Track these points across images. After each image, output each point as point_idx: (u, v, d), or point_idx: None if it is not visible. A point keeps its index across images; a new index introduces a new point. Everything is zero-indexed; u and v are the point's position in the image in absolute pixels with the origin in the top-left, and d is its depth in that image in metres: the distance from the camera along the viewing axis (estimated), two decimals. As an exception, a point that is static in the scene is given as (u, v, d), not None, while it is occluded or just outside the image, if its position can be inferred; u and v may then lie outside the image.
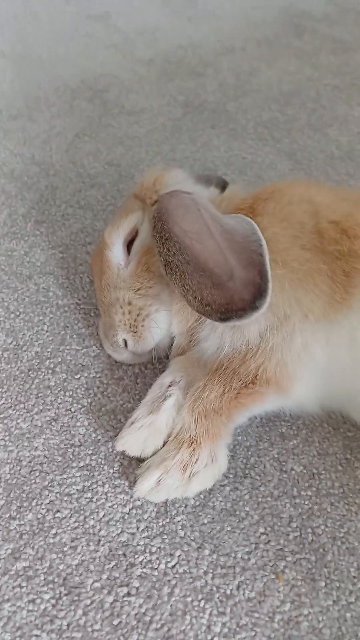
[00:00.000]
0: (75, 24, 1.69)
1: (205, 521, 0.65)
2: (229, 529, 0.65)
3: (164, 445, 0.68)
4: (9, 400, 0.74)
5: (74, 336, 0.83)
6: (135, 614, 0.58)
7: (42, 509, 0.65)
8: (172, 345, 0.77)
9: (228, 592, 0.60)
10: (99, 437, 0.72)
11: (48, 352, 0.80)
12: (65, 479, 0.67)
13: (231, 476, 0.70)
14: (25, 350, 0.80)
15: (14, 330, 0.82)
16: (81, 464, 0.69)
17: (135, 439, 0.67)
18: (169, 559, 0.62)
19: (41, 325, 0.83)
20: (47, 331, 0.83)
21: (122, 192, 1.07)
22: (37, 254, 0.94)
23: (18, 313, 0.85)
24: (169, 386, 0.71)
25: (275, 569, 0.62)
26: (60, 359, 0.79)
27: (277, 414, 0.76)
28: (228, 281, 0.64)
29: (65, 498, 0.66)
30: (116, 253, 0.76)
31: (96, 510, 0.65)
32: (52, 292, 0.88)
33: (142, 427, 0.68)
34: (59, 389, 0.76)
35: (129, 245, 0.77)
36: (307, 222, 0.72)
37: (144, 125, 1.28)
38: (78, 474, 0.68)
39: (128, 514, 0.65)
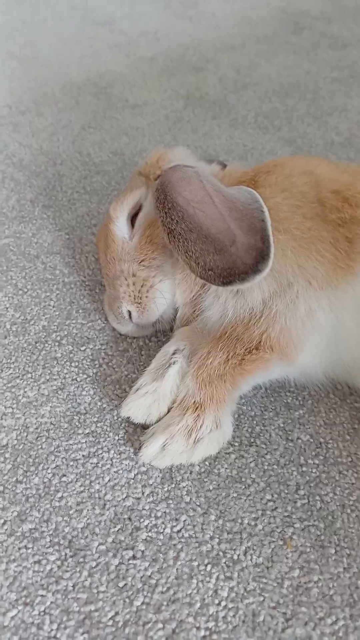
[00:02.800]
0: (81, 28, 1.72)
1: (211, 487, 0.65)
2: (234, 495, 0.65)
3: (168, 412, 0.68)
4: (17, 371, 0.75)
5: (80, 311, 0.83)
6: (141, 577, 0.57)
7: (48, 473, 0.65)
8: (175, 318, 0.78)
9: (235, 557, 0.60)
10: (104, 406, 0.72)
11: (55, 325, 0.81)
12: (71, 444, 0.67)
13: (236, 444, 0.69)
14: (32, 324, 0.81)
15: (21, 306, 0.83)
16: (87, 431, 0.69)
17: (140, 405, 0.67)
18: (174, 524, 0.62)
19: (48, 301, 0.84)
20: (53, 306, 0.83)
21: (127, 179, 1.08)
22: (44, 236, 0.95)
23: (26, 290, 0.85)
24: (173, 354, 0.71)
25: (283, 535, 0.62)
26: (66, 332, 0.80)
27: (282, 385, 0.76)
28: (230, 246, 0.65)
29: (71, 463, 0.66)
30: (120, 227, 0.77)
31: (101, 475, 0.65)
32: (59, 270, 0.89)
33: (146, 393, 0.68)
34: (65, 360, 0.76)
35: (132, 219, 0.78)
36: (308, 192, 0.73)
37: (147, 117, 1.30)
38: (84, 440, 0.68)
39: (133, 479, 0.65)
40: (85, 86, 1.40)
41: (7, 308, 0.83)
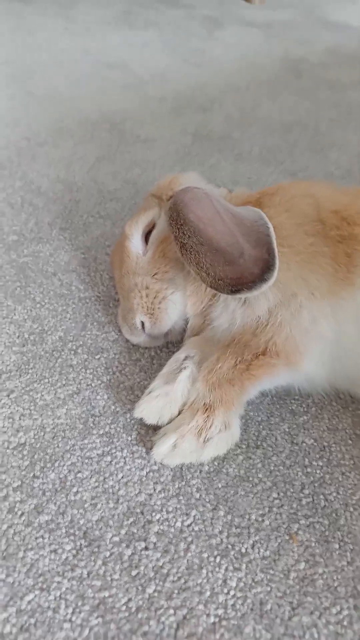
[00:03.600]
0: (95, 70, 1.84)
1: (220, 485, 0.68)
2: (242, 493, 0.67)
3: (179, 415, 0.72)
4: (34, 376, 0.79)
5: (94, 323, 0.88)
6: (153, 567, 0.60)
7: (64, 469, 0.68)
8: (185, 330, 0.82)
9: (243, 550, 0.62)
10: (118, 409, 0.75)
11: (70, 336, 0.85)
12: (86, 444, 0.71)
13: (244, 446, 0.73)
14: (49, 334, 0.85)
15: (39, 318, 0.88)
16: (101, 432, 0.72)
17: (152, 407, 0.71)
18: (185, 518, 0.64)
19: (64, 314, 0.89)
20: (69, 319, 0.88)
21: (139, 205, 1.15)
22: (61, 255, 1.01)
23: (43, 303, 0.90)
24: (184, 360, 0.75)
25: (289, 530, 0.64)
26: (81, 342, 0.84)
27: (288, 392, 0.80)
28: (239, 258, 0.70)
29: (86, 461, 0.69)
30: (135, 243, 0.83)
31: (115, 472, 0.68)
32: (75, 286, 0.95)
33: (158, 396, 0.72)
34: (80, 367, 0.81)
35: (146, 237, 0.84)
36: (310, 212, 0.79)
37: (157, 151, 1.38)
38: (98, 440, 0.71)
39: (145, 476, 0.68)
40: (99, 122, 1.49)
41: (25, 319, 0.87)
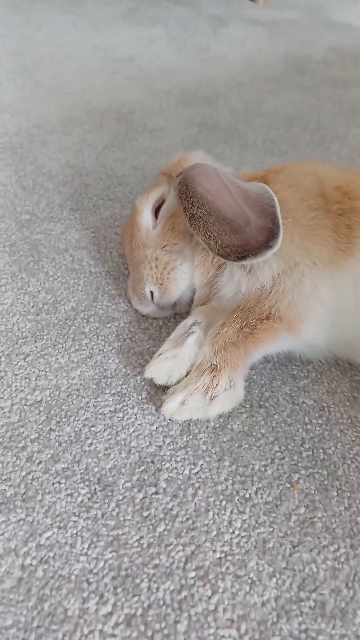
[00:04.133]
0: (103, 64, 1.89)
1: (225, 439, 0.72)
2: (246, 446, 0.72)
3: (187, 376, 0.76)
4: (49, 342, 0.83)
5: (105, 295, 0.92)
6: (163, 509, 0.64)
7: (79, 424, 0.72)
8: (192, 301, 0.87)
9: (247, 495, 0.66)
10: (129, 372, 0.80)
11: (82, 306, 0.90)
12: (99, 401, 0.75)
13: (247, 406, 0.77)
14: (62, 305, 0.89)
15: (52, 289, 0.92)
16: (113, 391, 0.77)
17: (162, 368, 0.76)
18: (192, 467, 0.69)
19: (76, 286, 0.93)
20: (81, 291, 0.92)
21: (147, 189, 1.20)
22: (72, 233, 1.06)
23: (56, 277, 0.95)
24: (192, 325, 0.79)
25: (290, 479, 0.68)
26: (93, 312, 0.89)
27: (289, 358, 0.84)
28: (245, 227, 0.74)
29: (99, 416, 0.73)
30: (146, 217, 0.87)
31: (127, 426, 0.72)
32: (86, 262, 0.99)
33: (167, 358, 0.76)
34: (92, 334, 0.85)
35: (156, 212, 0.88)
36: (313, 188, 0.83)
37: (165, 140, 1.43)
38: (110, 399, 0.75)
39: (155, 430, 0.72)
40: (108, 112, 1.54)
41: (39, 291, 0.92)
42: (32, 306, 0.89)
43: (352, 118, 1.65)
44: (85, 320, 0.87)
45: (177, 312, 0.89)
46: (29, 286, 0.93)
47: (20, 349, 0.81)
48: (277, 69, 2.00)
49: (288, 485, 0.68)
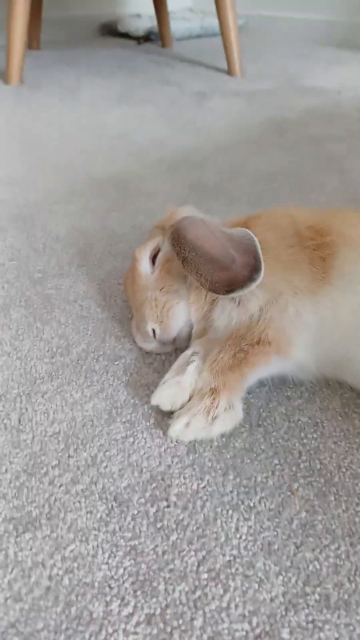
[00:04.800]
0: (100, 142, 2.08)
1: (228, 456, 0.79)
2: (248, 461, 0.78)
3: (189, 401, 0.83)
4: (64, 380, 0.91)
5: (112, 337, 1.01)
6: (175, 520, 0.70)
7: (94, 449, 0.79)
8: (191, 337, 0.96)
9: (251, 504, 0.72)
10: (137, 402, 0.87)
11: (92, 348, 0.99)
12: (111, 429, 0.82)
13: (247, 426, 0.84)
14: (74, 347, 0.99)
15: (64, 335, 1.02)
16: (124, 420, 0.84)
17: (166, 395, 0.83)
18: (199, 482, 0.75)
19: (85, 331, 1.03)
20: (90, 335, 1.02)
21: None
22: (79, 286, 1.16)
23: (67, 324, 1.05)
24: (191, 355, 0.88)
25: (290, 488, 0.74)
26: (102, 352, 0.98)
27: (283, 381, 0.91)
28: (231, 264, 0.85)
29: (112, 442, 0.80)
30: (144, 264, 0.98)
31: (138, 449, 0.79)
32: (93, 309, 1.09)
33: (170, 385, 0.84)
34: (102, 371, 0.93)
35: (153, 259, 0.99)
36: (289, 228, 0.94)
37: (158, 201, 1.57)
38: (122, 426, 0.83)
39: (164, 451, 0.79)
40: (107, 182, 1.70)
41: (53, 337, 1.01)
42: (47, 350, 0.98)
43: (328, 169, 1.80)
44: (95, 360, 0.96)
45: (178, 347, 0.98)
46: (43, 333, 1.02)
47: (38, 388, 0.90)
48: (258, 132, 2.19)
49: (289, 493, 0.74)
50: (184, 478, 0.75)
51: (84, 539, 0.68)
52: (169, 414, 0.84)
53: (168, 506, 0.72)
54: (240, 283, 0.82)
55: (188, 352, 0.89)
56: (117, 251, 1.31)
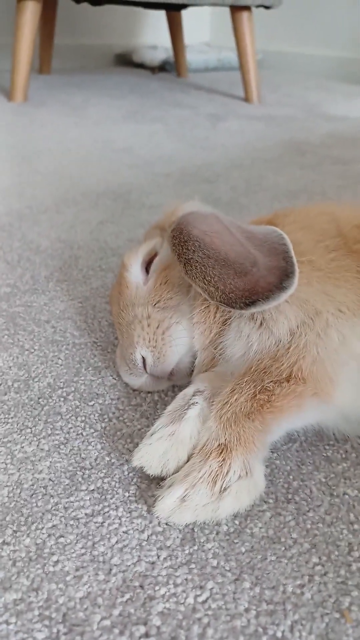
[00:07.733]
0: (103, 154, 1.89)
1: (243, 550, 0.52)
2: (273, 558, 0.51)
3: (188, 461, 0.58)
4: (15, 426, 0.66)
5: (89, 369, 0.77)
6: (156, 663, 0.43)
7: (43, 533, 0.53)
8: (192, 372, 0.71)
9: (279, 634, 0.45)
10: (113, 461, 0.62)
11: (61, 382, 0.74)
12: (72, 502, 0.56)
13: (271, 501, 0.57)
14: (37, 381, 0.74)
15: (26, 364, 0.77)
16: (91, 487, 0.58)
17: (155, 452, 0.58)
18: (198, 592, 0.48)
19: (55, 360, 0.78)
20: (61, 365, 0.77)
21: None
22: (56, 304, 0.93)
23: (33, 350, 0.80)
24: (193, 395, 0.63)
25: (338, 605, 0.48)
26: (73, 388, 0.73)
27: (320, 436, 0.66)
28: (252, 268, 0.61)
29: (71, 522, 0.54)
30: (134, 273, 0.74)
31: (107, 535, 0.53)
32: (69, 333, 0.85)
33: (162, 437, 0.58)
34: (70, 415, 0.68)
35: (147, 267, 0.76)
36: (329, 228, 0.71)
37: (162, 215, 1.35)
38: (87, 497, 0.57)
39: (146, 540, 0.53)
40: (105, 194, 1.49)
41: (10, 367, 0.77)
42: (0, 384, 0.73)
43: (357, 189, 1.58)
44: (62, 399, 0.71)
45: (175, 384, 0.73)
46: (-1, 362, 0.78)
47: (-23, 436, 0.64)
48: (276, 152, 1.99)
49: (337, 614, 0.47)
50: (175, 585, 0.49)
51: None
52: (158, 481, 0.58)
53: (147, 635, 0.45)
54: (264, 293, 0.58)
55: (189, 390, 0.64)
56: (108, 266, 1.07)
